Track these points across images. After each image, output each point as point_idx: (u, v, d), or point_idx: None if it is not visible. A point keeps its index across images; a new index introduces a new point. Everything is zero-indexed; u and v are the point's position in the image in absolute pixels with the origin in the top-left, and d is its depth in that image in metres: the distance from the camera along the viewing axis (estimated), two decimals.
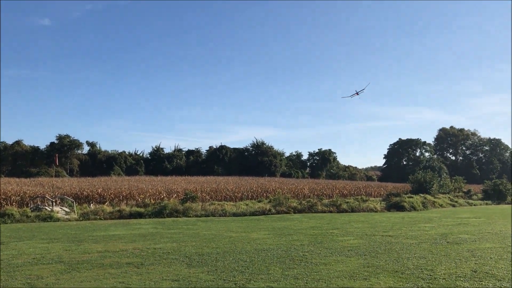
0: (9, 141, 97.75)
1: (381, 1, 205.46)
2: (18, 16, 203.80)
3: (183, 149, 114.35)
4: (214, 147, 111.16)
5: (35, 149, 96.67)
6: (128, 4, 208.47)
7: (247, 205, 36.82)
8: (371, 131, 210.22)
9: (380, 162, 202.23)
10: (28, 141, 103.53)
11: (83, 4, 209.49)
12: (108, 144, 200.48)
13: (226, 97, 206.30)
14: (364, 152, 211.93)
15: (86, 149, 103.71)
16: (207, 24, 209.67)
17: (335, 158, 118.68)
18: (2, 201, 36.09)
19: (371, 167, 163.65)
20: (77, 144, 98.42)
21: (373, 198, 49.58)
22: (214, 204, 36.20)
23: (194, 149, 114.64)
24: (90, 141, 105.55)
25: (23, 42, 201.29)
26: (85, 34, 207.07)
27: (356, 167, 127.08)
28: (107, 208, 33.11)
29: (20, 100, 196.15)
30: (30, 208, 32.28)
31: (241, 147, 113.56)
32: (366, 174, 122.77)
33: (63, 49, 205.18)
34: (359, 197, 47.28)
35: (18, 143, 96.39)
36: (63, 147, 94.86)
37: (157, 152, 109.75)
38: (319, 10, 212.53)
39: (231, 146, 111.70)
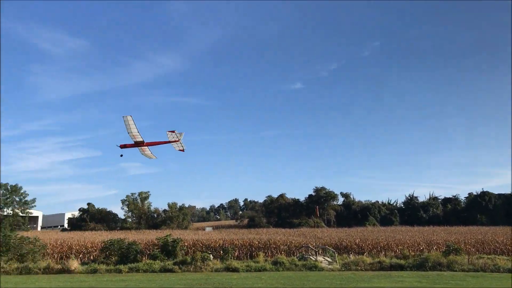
0: (275, 195, 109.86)
1: None
2: (276, 83, 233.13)
3: (439, 197, 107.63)
4: (475, 193, 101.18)
5: (296, 201, 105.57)
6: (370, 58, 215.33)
7: None
8: None
9: None
10: (290, 194, 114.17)
11: (329, 64, 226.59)
12: (361, 194, 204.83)
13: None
14: None
15: (340, 200, 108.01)
16: None
17: None
18: (273, 250, 40.28)
19: None
20: (332, 196, 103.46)
21: None
22: (483, 258, 32.46)
23: (451, 196, 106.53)
24: (344, 192, 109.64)
25: (278, 105, 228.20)
26: (332, 91, 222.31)
27: None
28: (367, 259, 33.35)
29: (281, 156, 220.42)
30: (297, 257, 35.13)
31: (508, 192, 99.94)
32: None
33: (314, 109, 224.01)
34: None
35: (282, 196, 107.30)
36: (320, 199, 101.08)
37: (411, 201, 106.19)
38: None
39: (495, 192, 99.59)
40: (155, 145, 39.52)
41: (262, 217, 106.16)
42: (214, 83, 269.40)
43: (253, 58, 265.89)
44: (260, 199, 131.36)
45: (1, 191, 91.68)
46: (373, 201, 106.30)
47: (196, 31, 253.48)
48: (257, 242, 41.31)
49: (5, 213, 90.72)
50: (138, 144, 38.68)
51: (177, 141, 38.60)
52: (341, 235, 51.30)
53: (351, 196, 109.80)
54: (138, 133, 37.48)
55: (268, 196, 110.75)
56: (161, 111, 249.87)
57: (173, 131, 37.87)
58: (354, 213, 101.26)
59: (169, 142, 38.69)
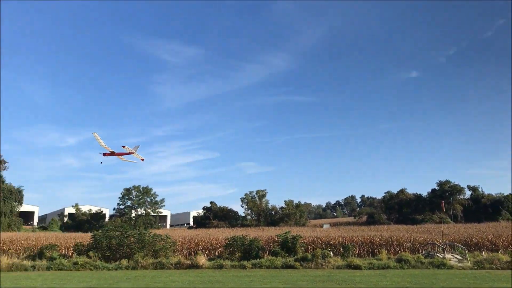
0: (394, 190, 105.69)
1: None
2: (392, 71, 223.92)
3: None
4: None
5: (418, 197, 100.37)
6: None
7: None
8: None
9: None
10: (411, 189, 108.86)
11: (446, 50, 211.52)
12: (491, 187, 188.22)
13: None
14: None
15: (467, 193, 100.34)
16: None
17: None
18: (395, 247, 38.71)
19: None
20: (458, 189, 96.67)
21: None
22: None
23: None
24: (471, 185, 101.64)
25: (393, 95, 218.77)
26: (450, 77, 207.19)
27: None
28: (503, 256, 30.51)
29: (403, 151, 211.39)
30: (422, 255, 33.36)
31: None
32: None
33: (429, 100, 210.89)
34: None
35: (402, 191, 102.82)
36: (444, 193, 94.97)
37: None
38: None
39: None
40: (120, 155, 48.58)
41: (381, 214, 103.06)
42: (324, 79, 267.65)
43: (362, 52, 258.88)
44: (378, 195, 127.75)
45: (135, 193, 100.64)
46: (505, 193, 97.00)
47: (302, 29, 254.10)
48: (378, 239, 40.05)
49: (139, 213, 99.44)
50: (112, 153, 47.95)
51: (132, 153, 47.97)
52: (471, 231, 47.56)
53: (480, 189, 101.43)
54: (105, 146, 46.97)
55: (387, 191, 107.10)
56: (274, 110, 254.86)
57: (124, 146, 47.25)
58: (484, 208, 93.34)
59: (127, 153, 48.09)
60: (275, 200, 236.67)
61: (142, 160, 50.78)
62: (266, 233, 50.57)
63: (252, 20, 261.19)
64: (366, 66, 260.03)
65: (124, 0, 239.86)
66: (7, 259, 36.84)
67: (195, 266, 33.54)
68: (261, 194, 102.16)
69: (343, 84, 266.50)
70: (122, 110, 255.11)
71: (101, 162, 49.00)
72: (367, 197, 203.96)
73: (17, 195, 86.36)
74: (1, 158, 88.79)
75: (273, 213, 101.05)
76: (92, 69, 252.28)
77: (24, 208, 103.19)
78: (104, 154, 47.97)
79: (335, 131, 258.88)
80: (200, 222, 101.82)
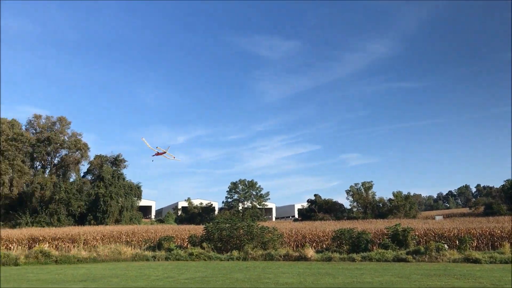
0: None
1: None
2: (499, 50, 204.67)
3: None
4: None
5: None
6: None
7: None
8: None
9: None
10: None
11: None
12: None
13: None
14: None
15: None
16: None
17: None
18: None
19: None
20: None
21: None
22: None
23: None
24: None
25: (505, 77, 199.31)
26: None
27: None
28: None
29: None
30: None
31: None
32: None
33: None
34: None
35: None
36: None
37: None
38: None
39: None
40: (159, 155, 58.32)
41: (501, 204, 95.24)
42: (428, 64, 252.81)
43: (467, 32, 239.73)
44: (496, 183, 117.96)
45: (241, 187, 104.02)
46: None
47: (403, 12, 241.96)
48: (499, 231, 36.98)
49: (245, 206, 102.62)
50: (157, 154, 57.82)
51: (164, 152, 57.99)
52: None
53: None
54: (152, 148, 58.10)
55: (507, 180, 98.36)
56: (376, 99, 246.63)
57: (157, 147, 58.37)
58: None
59: (162, 153, 58.03)
60: (382, 192, 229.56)
61: (173, 158, 61.34)
62: (374, 226, 49.25)
63: (350, 7, 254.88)
64: (472, 46, 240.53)
65: (221, 0, 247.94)
66: (131, 249, 40.28)
67: (303, 258, 33.78)
68: (367, 186, 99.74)
69: (450, 68, 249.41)
70: (224, 108, 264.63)
71: (152, 161, 62.30)
72: (483, 186, 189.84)
73: (136, 191, 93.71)
74: (121, 158, 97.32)
75: (381, 205, 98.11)
76: (195, 70, 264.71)
77: (143, 202, 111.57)
78: (154, 155, 58.48)
79: (443, 117, 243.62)
80: (305, 214, 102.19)
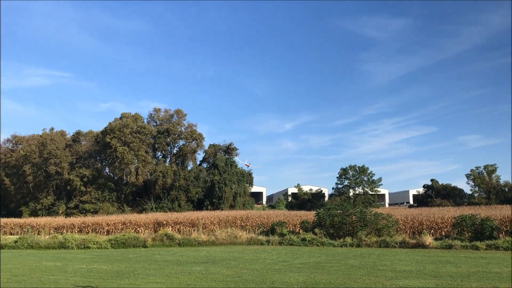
0: None
1: None
2: None
3: None
4: None
5: None
6: None
7: None
8: None
9: None
10: None
11: None
12: None
13: None
14: None
15: None
16: None
17: None
18: None
19: None
20: None
21: None
22: None
23: None
24: None
25: None
26: None
27: None
28: None
29: None
30: None
31: None
32: None
33: None
34: None
35: None
36: None
37: None
38: None
39: None
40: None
41: None
42: None
43: None
44: None
45: (351, 173, 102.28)
46: None
47: None
48: None
49: (356, 192, 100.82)
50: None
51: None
52: None
53: None
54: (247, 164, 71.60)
55: None
56: (497, 75, 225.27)
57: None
58: None
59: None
60: (508, 176, 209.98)
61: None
62: (500, 212, 45.35)
63: None
64: None
65: None
66: (246, 233, 41.93)
67: (421, 245, 32.44)
68: (490, 169, 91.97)
69: None
70: (331, 93, 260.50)
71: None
72: None
73: (248, 177, 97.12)
74: (233, 146, 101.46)
75: (507, 190, 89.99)
76: (301, 57, 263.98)
77: (254, 189, 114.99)
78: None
79: None
80: (421, 200, 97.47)
